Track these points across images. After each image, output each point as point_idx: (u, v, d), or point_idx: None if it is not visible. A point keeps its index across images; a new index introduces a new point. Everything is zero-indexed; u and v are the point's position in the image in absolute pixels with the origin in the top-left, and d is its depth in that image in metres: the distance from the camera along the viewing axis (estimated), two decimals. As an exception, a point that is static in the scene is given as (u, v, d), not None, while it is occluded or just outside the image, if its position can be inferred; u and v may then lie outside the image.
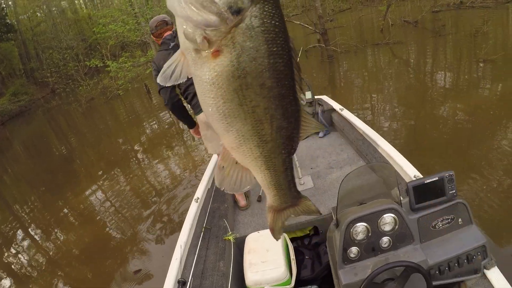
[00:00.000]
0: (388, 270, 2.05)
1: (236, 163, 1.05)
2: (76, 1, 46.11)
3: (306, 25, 15.50)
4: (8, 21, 35.91)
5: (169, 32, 3.65)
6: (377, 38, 15.98)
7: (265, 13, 0.81)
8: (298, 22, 16.21)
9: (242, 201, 4.00)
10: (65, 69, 25.65)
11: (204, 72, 0.85)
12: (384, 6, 17.11)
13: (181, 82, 0.90)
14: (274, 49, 0.84)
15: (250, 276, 2.87)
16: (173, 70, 0.91)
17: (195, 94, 3.41)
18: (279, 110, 0.91)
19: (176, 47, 3.28)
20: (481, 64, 9.64)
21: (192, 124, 3.78)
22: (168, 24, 3.69)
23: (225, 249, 3.24)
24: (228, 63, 0.83)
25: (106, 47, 23.26)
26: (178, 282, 2.78)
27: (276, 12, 0.82)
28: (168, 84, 0.92)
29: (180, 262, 2.98)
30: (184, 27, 0.83)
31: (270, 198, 1.14)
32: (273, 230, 1.25)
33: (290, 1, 35.23)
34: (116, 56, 21.12)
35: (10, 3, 37.83)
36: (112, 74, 16.75)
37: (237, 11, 0.78)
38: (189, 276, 2.88)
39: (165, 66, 0.91)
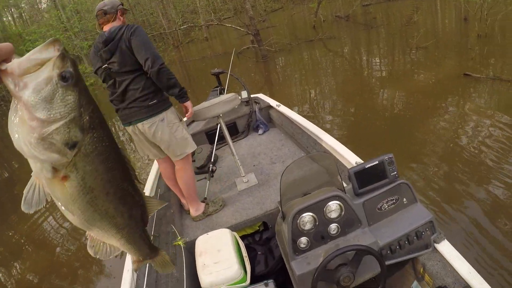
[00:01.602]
0: (340, 255, 2.04)
1: (104, 243, 1.21)
2: (4, 19, 44.52)
3: (238, 27, 15.52)
4: None
5: (108, 26, 3.18)
6: (310, 35, 16.18)
7: (95, 139, 0.96)
8: (230, 25, 16.23)
9: (186, 206, 3.84)
10: (-5, 90, 24.68)
11: (59, 193, 0.97)
12: (315, 3, 17.45)
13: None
14: (110, 165, 1.01)
15: (204, 278, 2.76)
16: (32, 195, 0.98)
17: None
18: (126, 205, 1.11)
19: (106, 53, 3.06)
20: (414, 52, 9.95)
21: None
22: (107, 13, 3.18)
23: (176, 255, 3.14)
24: (76, 184, 0.96)
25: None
26: None
27: (104, 134, 0.98)
28: (32, 212, 0.98)
29: (132, 273, 2.87)
30: (33, 161, 0.93)
31: (131, 255, 1.35)
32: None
33: (222, 4, 35.40)
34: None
35: None
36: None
37: (73, 145, 0.92)
38: (143, 287, 2.78)
39: (25, 191, 0.97)
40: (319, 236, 2.23)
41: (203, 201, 3.82)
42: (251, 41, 15.87)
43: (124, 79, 3.08)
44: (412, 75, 8.59)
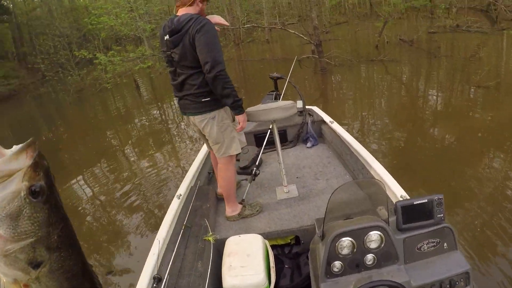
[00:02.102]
0: None
1: None
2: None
3: (301, 35, 15.49)
4: (4, 2, 35.45)
5: (182, 11, 3.12)
6: (372, 54, 16.03)
7: (62, 258, 0.94)
8: (293, 31, 16.22)
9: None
10: (55, 57, 25.44)
11: None
12: (381, 23, 17.23)
13: None
14: (76, 283, 1.00)
15: (228, 279, 2.80)
16: None
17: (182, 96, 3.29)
18: None
19: (170, 42, 3.09)
20: (474, 89, 9.75)
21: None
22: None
23: (204, 249, 3.18)
24: None
25: (99, 38, 23.17)
26: (154, 278, 2.72)
27: (73, 252, 0.98)
28: None
29: (158, 258, 2.93)
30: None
31: None
32: None
33: (287, 9, 35.44)
34: (109, 49, 20.98)
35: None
36: (100, 67, 16.60)
37: (38, 265, 0.90)
38: (166, 274, 2.81)
39: None
40: (354, 263, 2.19)
41: (240, 203, 3.84)
42: (312, 51, 15.77)
43: (183, 72, 3.14)
44: (469, 113, 8.42)
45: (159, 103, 15.30)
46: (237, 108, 3.19)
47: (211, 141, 3.40)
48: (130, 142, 11.41)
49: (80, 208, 7.52)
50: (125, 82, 18.80)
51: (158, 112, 13.75)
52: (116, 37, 24.43)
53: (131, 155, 10.16)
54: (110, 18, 16.22)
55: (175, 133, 10.74)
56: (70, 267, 0.96)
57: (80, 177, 9.04)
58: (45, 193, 0.87)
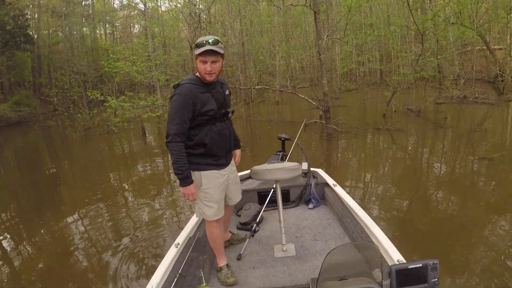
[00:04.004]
0: None
1: None
2: (97, 31, 47.15)
3: (310, 100, 15.70)
4: (30, 32, 36.34)
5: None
6: (379, 122, 16.23)
7: None
8: (303, 96, 16.46)
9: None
10: (69, 92, 25.90)
11: None
12: (390, 92, 17.49)
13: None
14: None
15: None
16: None
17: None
18: None
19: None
20: (477, 160, 9.87)
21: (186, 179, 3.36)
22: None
23: None
24: None
25: (113, 81, 23.59)
26: None
27: None
28: None
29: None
30: None
31: None
32: None
33: (300, 73, 36.11)
34: (122, 93, 21.35)
35: (36, 16, 38.58)
36: (109, 110, 16.86)
37: None
38: None
39: None
40: None
41: (238, 258, 4.03)
42: (320, 116, 15.99)
43: None
44: (472, 184, 8.51)
45: (164, 153, 15.44)
46: (179, 179, 3.30)
47: None
48: (130, 186, 11.42)
49: (72, 245, 7.51)
50: (132, 128, 18.98)
51: (162, 160, 13.87)
52: (130, 83, 24.87)
53: (130, 199, 10.14)
54: (127, 64, 16.57)
55: (177, 184, 10.78)
56: None
57: (76, 215, 9.02)
58: None
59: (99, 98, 16.69)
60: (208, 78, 3.24)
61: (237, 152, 4.02)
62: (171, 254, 3.71)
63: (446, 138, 13.20)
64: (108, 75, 24.30)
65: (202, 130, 3.31)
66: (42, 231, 8.44)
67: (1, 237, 8.24)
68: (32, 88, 37.99)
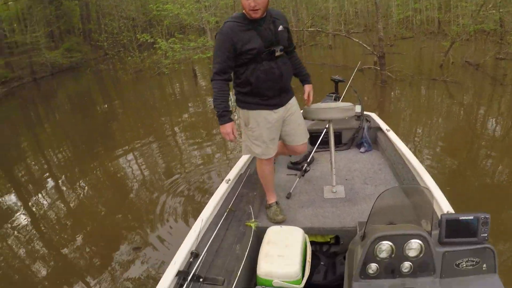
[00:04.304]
0: None
1: None
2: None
3: (365, 45, 15.25)
4: None
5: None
6: (435, 73, 15.53)
7: None
8: (357, 40, 15.99)
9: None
10: (118, 37, 26.10)
11: None
12: (448, 42, 16.70)
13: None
14: None
15: (263, 266, 2.82)
16: None
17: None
18: None
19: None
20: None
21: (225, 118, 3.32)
22: None
23: (244, 234, 3.23)
24: None
25: (162, 25, 23.60)
26: (191, 253, 2.80)
27: None
28: None
29: (198, 235, 3.01)
30: None
31: None
32: None
33: (353, 18, 35.15)
34: (172, 35, 21.32)
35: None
36: (159, 51, 16.89)
37: None
38: (203, 251, 2.88)
39: None
40: (390, 269, 2.17)
41: (287, 196, 4.02)
42: (374, 62, 15.56)
43: None
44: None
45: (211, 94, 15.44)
46: (217, 117, 3.31)
47: None
48: (181, 127, 11.62)
49: (125, 181, 7.69)
50: (183, 69, 19.02)
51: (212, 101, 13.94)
52: (180, 26, 24.79)
53: (181, 140, 10.33)
54: (175, 6, 16.41)
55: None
56: None
57: (129, 156, 9.29)
58: None
59: (148, 41, 16.70)
60: (253, 15, 3.06)
61: (306, 88, 3.77)
62: (222, 189, 3.78)
63: (504, 96, 12.44)
64: (157, 19, 24.30)
65: (248, 69, 3.21)
66: (97, 171, 8.80)
67: (59, 177, 8.55)
68: (82, 34, 38.67)
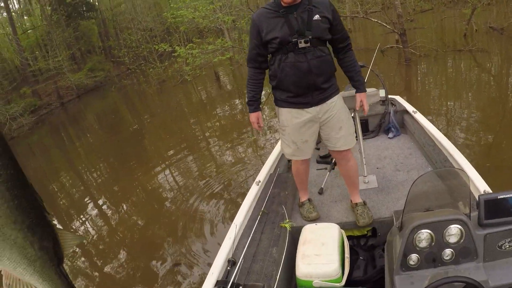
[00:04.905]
0: (446, 284, 1.89)
1: (20, 280, 1.11)
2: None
3: (384, 24, 14.98)
4: (90, 0, 37.61)
5: None
6: (459, 43, 15.20)
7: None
8: (376, 20, 15.71)
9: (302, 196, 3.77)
10: (138, 50, 26.39)
11: None
12: (469, 9, 16.21)
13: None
14: (15, 192, 0.95)
15: (302, 267, 2.77)
16: None
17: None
18: (36, 235, 1.03)
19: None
20: None
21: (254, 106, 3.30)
22: None
23: (280, 236, 3.18)
24: None
25: (179, 31, 23.71)
26: (228, 261, 2.79)
27: (9, 163, 0.93)
28: None
29: (233, 242, 3.00)
30: None
31: None
32: None
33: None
34: (190, 41, 21.43)
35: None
36: (179, 59, 16.99)
37: None
38: (240, 257, 2.85)
39: None
40: (431, 257, 2.11)
41: (320, 192, 3.93)
42: (396, 40, 15.28)
43: None
44: None
45: (238, 95, 15.53)
46: (247, 104, 3.31)
47: None
48: (210, 131, 11.74)
49: (161, 193, 7.91)
50: (204, 74, 19.12)
51: (238, 101, 13.99)
52: (197, 30, 24.92)
53: (211, 144, 10.40)
54: (189, 11, 16.42)
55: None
56: (9, 176, 0.94)
57: (162, 166, 9.42)
58: None
59: (167, 50, 16.81)
60: None
61: (357, 97, 3.33)
62: (253, 192, 3.73)
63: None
64: (174, 26, 24.44)
65: (276, 60, 3.01)
66: (133, 185, 8.91)
67: (97, 196, 8.73)
68: (103, 52, 39.38)
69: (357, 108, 3.34)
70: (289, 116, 3.17)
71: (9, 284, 1.12)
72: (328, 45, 3.10)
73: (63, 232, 1.13)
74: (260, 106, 3.33)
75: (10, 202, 0.95)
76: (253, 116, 3.28)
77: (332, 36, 3.03)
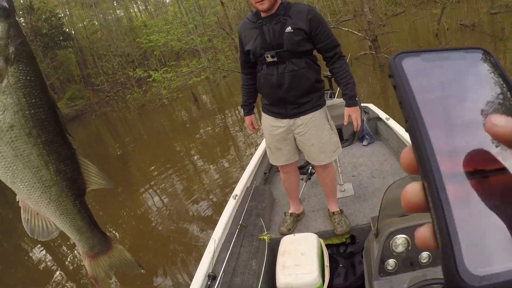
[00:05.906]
0: (425, 286, 1.95)
1: (38, 214, 1.10)
2: (131, 10, 47.68)
3: (355, 32, 15.11)
4: (65, 29, 37.92)
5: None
6: (432, 43, 15.40)
7: (20, 72, 0.91)
8: (346, 29, 15.85)
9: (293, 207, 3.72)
10: (115, 77, 26.38)
11: None
12: (439, 9, 16.46)
13: None
14: (34, 101, 0.94)
15: (282, 278, 2.77)
16: None
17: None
18: (52, 155, 1.00)
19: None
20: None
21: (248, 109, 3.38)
22: None
23: (259, 248, 3.17)
24: None
25: (154, 55, 23.71)
26: (209, 276, 2.77)
27: (31, 70, 0.93)
28: None
29: (213, 256, 2.99)
30: None
31: (77, 244, 1.19)
32: (96, 280, 1.25)
33: (342, 6, 34.93)
34: (165, 65, 21.47)
35: (67, 12, 39.70)
36: (155, 84, 16.99)
37: None
38: (220, 272, 2.84)
39: None
40: (409, 262, 2.13)
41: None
42: (369, 46, 15.39)
43: None
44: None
45: (220, 111, 15.59)
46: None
47: None
48: (193, 150, 11.82)
49: (148, 215, 7.86)
50: (181, 96, 19.15)
51: (220, 118, 14.07)
52: (174, 52, 24.97)
53: (194, 162, 10.48)
54: (161, 35, 16.44)
55: (239, 139, 10.87)
56: (28, 83, 0.93)
57: (148, 189, 9.39)
58: (6, 11, 0.90)
59: (142, 76, 16.82)
60: (259, 6, 2.71)
61: (346, 111, 3.05)
62: (230, 206, 3.73)
63: (507, 50, 12.24)
64: (150, 50, 24.49)
65: (257, 69, 3.01)
66: (121, 211, 8.88)
67: None
68: (82, 80, 39.31)
69: (345, 123, 3.13)
70: (266, 122, 3.19)
71: (28, 218, 1.10)
72: (312, 56, 2.98)
73: (87, 163, 1.10)
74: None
75: (25, 111, 0.93)
76: (246, 119, 3.39)
77: (315, 46, 2.88)
